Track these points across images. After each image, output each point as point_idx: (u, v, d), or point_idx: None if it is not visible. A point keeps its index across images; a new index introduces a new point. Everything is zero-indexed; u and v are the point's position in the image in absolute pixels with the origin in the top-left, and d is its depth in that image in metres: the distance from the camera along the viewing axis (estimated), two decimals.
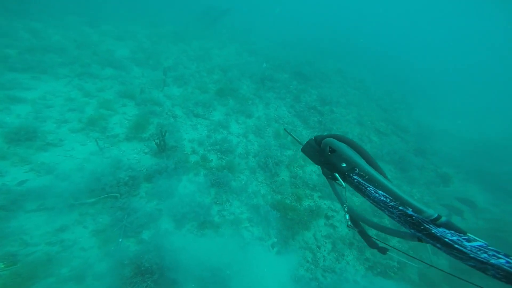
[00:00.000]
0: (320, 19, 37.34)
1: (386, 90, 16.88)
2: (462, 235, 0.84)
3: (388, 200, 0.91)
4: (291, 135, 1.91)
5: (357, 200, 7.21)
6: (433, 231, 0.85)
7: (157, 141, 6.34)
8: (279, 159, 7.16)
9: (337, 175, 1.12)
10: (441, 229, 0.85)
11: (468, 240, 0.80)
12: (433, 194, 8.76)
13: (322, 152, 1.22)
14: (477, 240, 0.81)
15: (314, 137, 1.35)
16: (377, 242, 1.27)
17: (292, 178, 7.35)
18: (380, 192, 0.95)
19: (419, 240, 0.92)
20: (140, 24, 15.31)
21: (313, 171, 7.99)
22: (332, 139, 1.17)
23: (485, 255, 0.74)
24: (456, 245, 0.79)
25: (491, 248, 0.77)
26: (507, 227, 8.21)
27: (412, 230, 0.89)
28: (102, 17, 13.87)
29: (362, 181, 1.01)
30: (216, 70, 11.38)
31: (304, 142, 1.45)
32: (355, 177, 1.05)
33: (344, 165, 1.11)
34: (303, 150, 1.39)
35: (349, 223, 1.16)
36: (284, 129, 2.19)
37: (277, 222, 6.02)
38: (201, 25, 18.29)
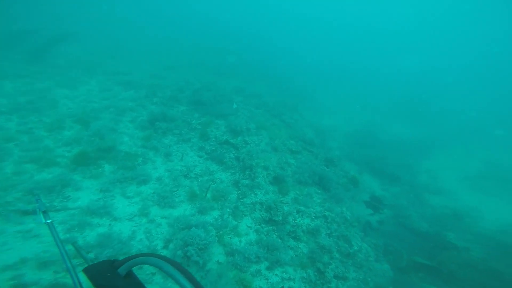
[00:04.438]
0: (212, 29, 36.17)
1: (281, 101, 17.98)
2: None
3: None
4: (78, 251, 1.64)
5: None
6: None
7: None
8: (204, 241, 5.00)
9: None
10: None
11: None
12: (352, 199, 9.50)
13: (115, 277, 1.00)
14: None
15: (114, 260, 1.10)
16: None
17: (229, 256, 5.38)
18: None
19: None
20: None
21: (248, 226, 6.40)
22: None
23: None
24: None
25: None
26: (404, 211, 10.12)
27: None
28: None
29: None
30: (67, 123, 7.32)
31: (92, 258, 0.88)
32: None
33: None
34: (85, 271, 1.05)
35: None
36: (72, 244, 1.82)
37: None
38: (22, 57, 12.21)
